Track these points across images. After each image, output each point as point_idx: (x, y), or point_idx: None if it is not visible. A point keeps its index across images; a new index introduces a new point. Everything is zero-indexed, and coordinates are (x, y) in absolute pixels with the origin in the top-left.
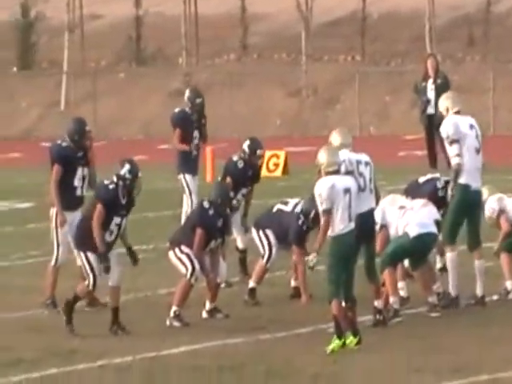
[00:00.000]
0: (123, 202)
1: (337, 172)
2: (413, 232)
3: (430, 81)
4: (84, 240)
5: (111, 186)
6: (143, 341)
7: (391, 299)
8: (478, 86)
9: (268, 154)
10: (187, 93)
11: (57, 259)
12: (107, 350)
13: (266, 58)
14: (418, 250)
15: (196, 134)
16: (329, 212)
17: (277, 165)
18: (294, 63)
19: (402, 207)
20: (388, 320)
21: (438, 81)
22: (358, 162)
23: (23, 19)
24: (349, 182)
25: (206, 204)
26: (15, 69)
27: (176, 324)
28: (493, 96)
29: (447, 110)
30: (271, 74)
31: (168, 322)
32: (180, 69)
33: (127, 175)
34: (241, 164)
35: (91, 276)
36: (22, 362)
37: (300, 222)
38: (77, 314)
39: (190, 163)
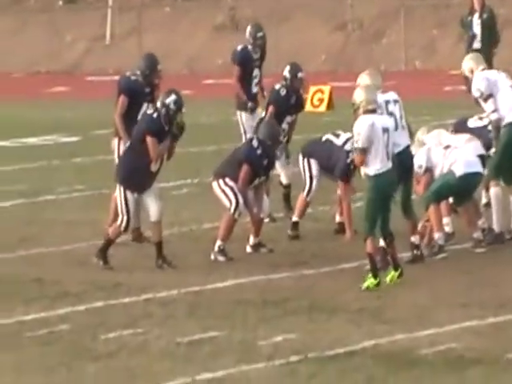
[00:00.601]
0: (166, 128)
1: (375, 111)
2: (459, 171)
3: (476, 15)
4: (127, 176)
5: (155, 115)
6: (188, 275)
7: (436, 235)
8: None
9: (313, 89)
10: (248, 28)
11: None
12: (152, 284)
13: None
14: (463, 188)
15: (256, 72)
16: (365, 151)
17: (321, 100)
18: None
19: (447, 147)
20: (433, 255)
21: (484, 15)
22: (387, 102)
23: None
24: (387, 121)
25: (255, 142)
26: (60, 2)
27: (220, 258)
28: None
29: (471, 71)
30: (316, 8)
31: (212, 257)
32: (225, 3)
33: (171, 106)
34: (283, 91)
35: (125, 217)
36: (69, 295)
37: (348, 160)
38: (122, 247)
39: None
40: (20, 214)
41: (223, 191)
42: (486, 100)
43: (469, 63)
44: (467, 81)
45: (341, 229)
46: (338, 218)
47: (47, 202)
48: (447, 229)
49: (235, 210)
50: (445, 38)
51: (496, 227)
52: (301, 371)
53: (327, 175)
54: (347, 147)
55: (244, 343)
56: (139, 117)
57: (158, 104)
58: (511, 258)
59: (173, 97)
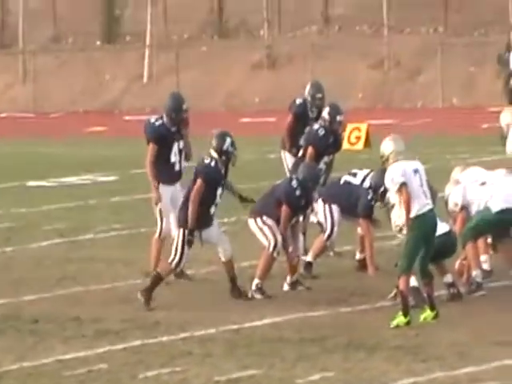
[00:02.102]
0: (223, 171)
1: (403, 160)
2: (496, 207)
3: None
4: (186, 218)
5: (213, 164)
6: (226, 313)
7: (474, 272)
8: None
9: (350, 126)
10: (308, 87)
11: (160, 231)
12: (190, 322)
13: (348, 30)
14: (501, 224)
15: (306, 129)
16: (405, 184)
17: (358, 138)
18: (376, 35)
19: (483, 183)
20: (471, 293)
21: None
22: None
23: None
24: (416, 164)
25: (294, 183)
26: (99, 42)
27: (258, 296)
28: None
29: (508, 125)
30: (353, 45)
31: (250, 295)
32: (262, 41)
33: (230, 149)
34: (322, 132)
35: (178, 255)
36: (107, 333)
37: (369, 196)
38: (162, 285)
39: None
40: (59, 253)
41: (261, 229)
42: None
43: (507, 117)
44: (503, 131)
45: (362, 266)
46: (358, 256)
47: (85, 241)
48: (485, 266)
49: (274, 248)
50: (482, 75)
51: None
52: None
53: (348, 217)
54: (366, 184)
55: (282, 381)
56: (172, 158)
57: (213, 153)
58: None
59: (228, 140)
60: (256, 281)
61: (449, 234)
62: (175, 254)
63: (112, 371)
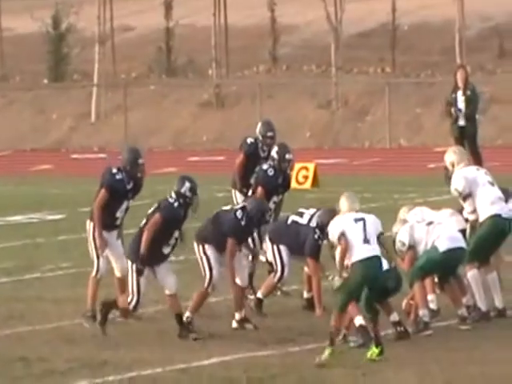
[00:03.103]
0: (182, 214)
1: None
2: (442, 246)
3: (460, 92)
4: (137, 254)
5: (176, 205)
6: (174, 352)
7: (421, 312)
8: (510, 98)
9: (297, 166)
10: (259, 125)
11: (97, 271)
12: (138, 362)
13: (296, 70)
14: (448, 264)
15: (257, 168)
16: (344, 235)
17: (306, 177)
18: (323, 75)
19: (430, 223)
20: (418, 332)
21: (468, 92)
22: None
23: (54, 31)
24: (360, 214)
25: (239, 213)
26: (46, 80)
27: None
28: None
29: (453, 164)
30: (301, 85)
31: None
32: (210, 80)
33: (187, 193)
34: (271, 171)
35: (136, 296)
36: (54, 372)
37: (316, 235)
38: (109, 324)
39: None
40: (5, 293)
41: (201, 258)
42: (464, 199)
43: (452, 156)
44: (447, 171)
45: (309, 304)
46: (305, 295)
47: (32, 280)
48: (432, 306)
49: (208, 285)
50: (429, 116)
51: (482, 306)
52: None
53: (296, 256)
54: (312, 224)
55: None
56: (117, 213)
57: (173, 194)
58: (496, 335)
59: (187, 185)
60: (187, 313)
61: (391, 272)
62: (133, 295)
63: None
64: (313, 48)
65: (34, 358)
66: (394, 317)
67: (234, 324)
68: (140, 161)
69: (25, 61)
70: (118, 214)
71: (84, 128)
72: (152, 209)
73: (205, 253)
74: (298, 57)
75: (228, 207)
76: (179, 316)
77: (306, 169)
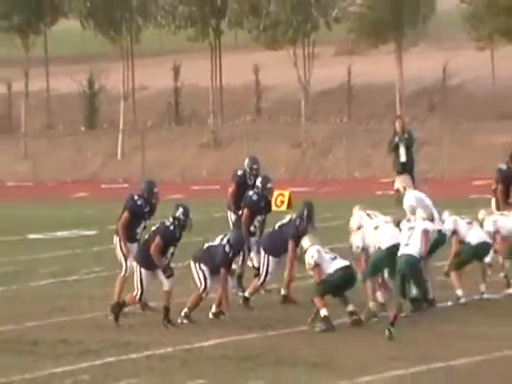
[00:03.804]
0: (178, 235)
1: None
2: (386, 244)
3: (399, 137)
4: (142, 258)
5: (172, 227)
6: (180, 336)
7: (370, 304)
8: (436, 141)
9: (276, 192)
10: (246, 160)
11: (125, 270)
12: (153, 343)
13: (275, 119)
14: (392, 258)
15: (245, 194)
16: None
17: (282, 201)
18: (296, 123)
19: (376, 227)
20: (368, 320)
21: (405, 135)
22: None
23: (89, 90)
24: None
25: (227, 248)
26: (83, 128)
27: (185, 321)
28: (448, 148)
29: (404, 188)
30: (278, 131)
31: (179, 320)
32: (208, 127)
33: (181, 217)
34: (255, 197)
35: (140, 290)
36: (89, 352)
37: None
38: (130, 315)
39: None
40: (51, 291)
41: (197, 273)
42: (414, 212)
43: (404, 182)
44: (399, 194)
45: (286, 299)
46: (282, 291)
47: (72, 281)
48: (380, 299)
49: (203, 291)
50: (377, 155)
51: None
52: None
53: (282, 256)
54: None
55: None
56: (137, 230)
57: (171, 218)
58: (425, 321)
59: (180, 210)
60: (185, 310)
61: (347, 269)
62: (137, 289)
63: (92, 381)
64: (287, 102)
65: (73, 341)
66: (350, 307)
67: (210, 315)
68: (155, 190)
69: (66, 113)
70: (138, 231)
71: (112, 164)
72: (154, 228)
73: (200, 268)
74: (276, 109)
75: (216, 242)
76: (167, 308)
77: (283, 195)
